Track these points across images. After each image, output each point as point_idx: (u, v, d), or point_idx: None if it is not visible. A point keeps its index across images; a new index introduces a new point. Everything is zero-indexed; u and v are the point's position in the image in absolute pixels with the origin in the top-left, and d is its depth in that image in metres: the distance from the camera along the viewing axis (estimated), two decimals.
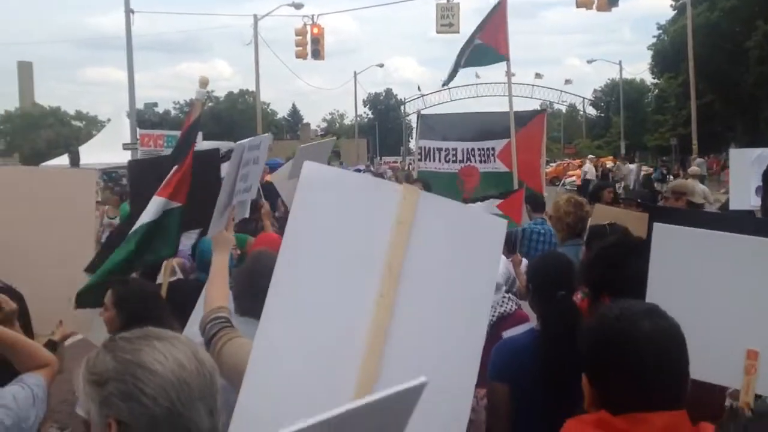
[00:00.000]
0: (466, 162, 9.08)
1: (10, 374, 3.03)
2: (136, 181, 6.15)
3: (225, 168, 4.48)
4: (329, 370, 2.46)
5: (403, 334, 2.51)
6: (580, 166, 38.57)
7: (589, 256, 3.58)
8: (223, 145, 8.44)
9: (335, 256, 2.58)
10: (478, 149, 8.99)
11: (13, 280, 4.36)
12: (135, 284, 4.12)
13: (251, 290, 3.45)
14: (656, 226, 2.96)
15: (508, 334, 3.63)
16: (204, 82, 4.96)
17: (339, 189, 2.66)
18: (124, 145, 27.73)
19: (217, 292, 3.18)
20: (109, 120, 48.88)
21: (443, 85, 9.49)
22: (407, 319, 2.53)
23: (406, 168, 35.82)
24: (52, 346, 4.30)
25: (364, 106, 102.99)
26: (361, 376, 2.45)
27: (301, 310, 2.53)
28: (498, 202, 6.45)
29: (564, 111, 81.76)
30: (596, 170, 32.65)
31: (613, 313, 2.14)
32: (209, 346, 2.87)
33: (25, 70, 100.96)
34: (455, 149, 9.17)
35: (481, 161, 8.99)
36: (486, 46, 8.54)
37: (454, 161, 9.16)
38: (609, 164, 36.06)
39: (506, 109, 8.62)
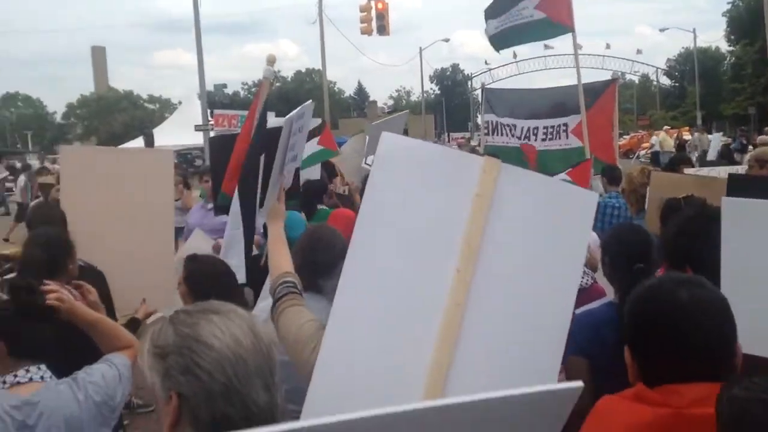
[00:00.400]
0: (525, 140, 8.93)
1: (95, 355, 3.12)
2: (216, 156, 6.35)
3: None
4: (403, 346, 2.43)
5: (481, 310, 2.46)
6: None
7: (669, 230, 3.47)
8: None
9: (412, 229, 2.54)
10: (545, 127, 8.79)
11: (95, 260, 4.48)
12: (205, 260, 4.19)
13: (309, 265, 3.49)
14: (725, 200, 2.85)
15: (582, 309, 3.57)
16: (271, 60, 4.99)
17: (418, 160, 2.61)
18: (196, 126, 28.20)
19: (281, 260, 3.23)
20: (180, 102, 49.84)
21: (497, 51, 9.21)
22: (485, 295, 2.47)
23: (472, 143, 35.50)
24: (134, 324, 4.43)
25: (431, 82, 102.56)
26: (435, 352, 2.42)
27: (376, 283, 2.51)
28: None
29: (636, 82, 79.72)
30: (673, 142, 31.59)
31: (653, 284, 2.09)
32: (274, 309, 2.91)
33: (98, 55, 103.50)
34: (514, 125, 9.02)
35: (546, 139, 8.80)
36: (546, 19, 8.30)
37: (518, 137, 9.02)
38: (686, 135, 34.92)
39: (575, 81, 8.43)
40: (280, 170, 3.89)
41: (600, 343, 3.29)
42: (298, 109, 4.24)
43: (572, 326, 3.38)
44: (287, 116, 4.02)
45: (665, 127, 36.28)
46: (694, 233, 3.18)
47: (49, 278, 3.80)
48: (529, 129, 8.87)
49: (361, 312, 2.49)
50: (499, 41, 8.80)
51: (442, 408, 1.22)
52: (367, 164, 10.44)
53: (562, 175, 6.25)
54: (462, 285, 2.46)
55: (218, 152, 6.17)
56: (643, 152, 37.53)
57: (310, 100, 4.54)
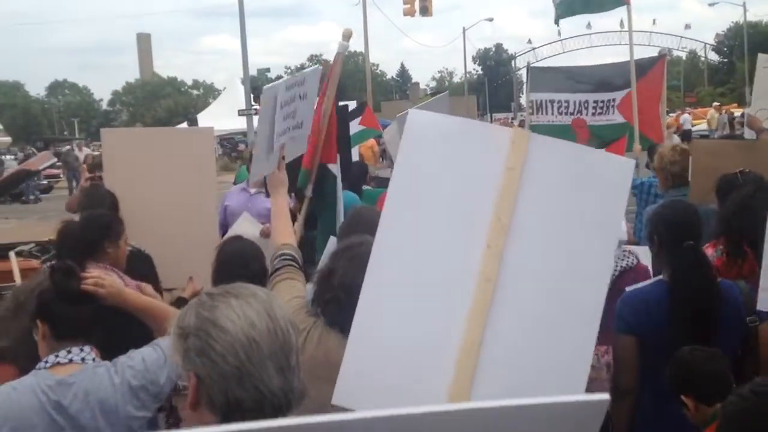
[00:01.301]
0: (577, 114, 8.78)
1: (142, 337, 3.15)
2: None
3: None
4: (435, 323, 2.42)
5: (513, 285, 2.42)
6: (702, 116, 36.78)
7: (729, 209, 3.39)
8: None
9: (442, 205, 2.51)
10: (594, 101, 8.66)
11: (142, 240, 4.53)
12: (236, 243, 4.20)
13: None
14: None
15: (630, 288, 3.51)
16: (347, 35, 4.94)
17: (446, 135, 2.58)
18: (239, 111, 28.43)
19: (282, 230, 3.25)
20: (225, 88, 50.21)
21: (555, 22, 9.08)
22: (517, 270, 2.43)
23: (515, 123, 35.22)
24: (182, 302, 4.47)
25: (474, 63, 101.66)
26: (467, 329, 2.40)
27: (406, 259, 2.49)
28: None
29: (684, 58, 78.11)
30: (724, 119, 30.84)
31: None
32: (268, 282, 2.94)
33: (143, 42, 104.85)
34: (567, 101, 8.87)
35: (595, 113, 8.67)
36: None
37: (566, 113, 8.86)
38: (736, 112, 34.10)
39: (621, 58, 8.30)
40: (270, 142, 3.82)
41: (650, 322, 3.24)
42: (294, 76, 4.18)
43: (621, 304, 3.35)
44: (271, 85, 3.93)
45: (714, 104, 35.42)
46: (754, 211, 3.11)
47: (86, 260, 3.87)
48: (579, 103, 8.70)
49: (391, 289, 2.47)
50: (560, 10, 8.70)
51: (457, 413, 1.20)
52: None
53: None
54: (493, 260, 2.43)
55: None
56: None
57: (317, 66, 4.48)
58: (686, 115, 32.47)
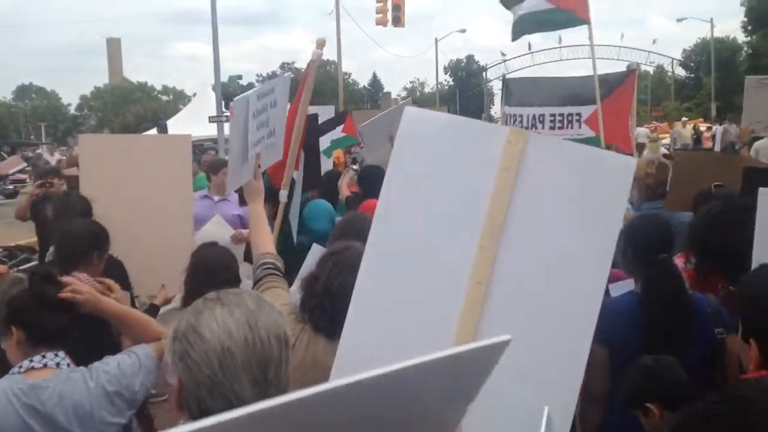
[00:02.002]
0: (531, 128, 8.73)
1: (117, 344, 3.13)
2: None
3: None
4: (426, 326, 2.40)
5: (505, 289, 2.39)
6: (667, 130, 37.22)
7: (699, 220, 3.45)
8: (319, 110, 8.55)
9: (436, 204, 2.49)
10: (551, 114, 8.66)
11: (116, 246, 4.50)
12: (211, 250, 4.20)
13: None
14: (761, 191, 2.83)
15: (614, 291, 3.56)
16: (321, 44, 4.97)
17: (441, 133, 2.55)
18: (210, 117, 28.22)
19: (261, 239, 3.25)
20: (195, 94, 49.93)
21: (513, 39, 9.09)
22: (509, 274, 2.39)
23: None
24: (153, 310, 4.46)
25: (445, 73, 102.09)
26: (458, 333, 2.38)
27: (398, 260, 2.47)
28: None
29: (651, 72, 79.16)
30: (692, 133, 31.18)
31: None
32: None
33: (113, 47, 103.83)
34: (520, 115, 8.87)
35: (554, 127, 8.68)
36: (558, 10, 8.23)
37: (525, 127, 8.80)
38: (701, 126, 34.55)
39: (590, 72, 8.37)
40: (244, 151, 3.83)
41: (621, 333, 3.29)
42: (263, 85, 4.20)
43: None
44: (241, 96, 3.95)
45: (683, 119, 35.87)
46: (721, 226, 3.17)
47: (73, 269, 3.84)
48: (534, 117, 8.71)
49: (382, 290, 2.46)
50: (517, 29, 8.74)
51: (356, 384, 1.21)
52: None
53: None
54: (485, 262, 2.40)
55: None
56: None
57: (288, 74, 4.50)
58: (643, 129, 32.86)
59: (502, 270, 2.40)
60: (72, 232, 4.11)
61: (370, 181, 6.81)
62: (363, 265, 2.47)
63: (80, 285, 3.12)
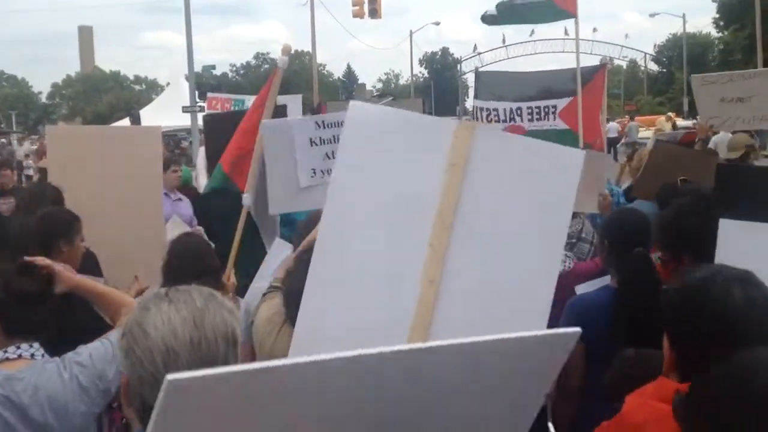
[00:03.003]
0: (510, 122, 8.78)
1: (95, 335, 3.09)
2: (211, 134, 6.40)
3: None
4: (378, 326, 2.36)
5: (457, 287, 2.37)
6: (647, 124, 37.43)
7: (668, 215, 3.49)
8: (287, 100, 8.56)
9: (384, 201, 2.44)
10: (528, 107, 8.69)
11: (87, 238, 4.46)
12: (187, 240, 4.16)
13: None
14: (722, 222, 2.79)
15: (581, 290, 3.59)
16: (286, 50, 5.02)
17: (388, 127, 2.51)
18: (183, 107, 27.99)
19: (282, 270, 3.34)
20: (168, 84, 49.48)
21: (490, 23, 9.07)
22: (460, 271, 2.37)
23: None
24: None
25: (420, 66, 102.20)
26: (411, 333, 2.35)
27: (348, 259, 2.43)
28: None
29: (624, 67, 79.76)
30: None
31: (703, 276, 2.03)
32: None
33: (85, 35, 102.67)
34: (496, 109, 8.89)
35: (532, 119, 8.70)
36: (546, 2, 8.27)
37: (503, 120, 8.86)
38: (679, 122, 34.66)
39: (564, 66, 8.42)
40: (310, 173, 3.89)
41: (595, 327, 3.30)
42: (328, 115, 4.22)
43: (568, 310, 3.42)
44: (281, 120, 3.97)
45: (668, 114, 36.04)
46: (697, 223, 3.20)
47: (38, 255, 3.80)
48: (512, 110, 8.73)
49: (333, 290, 2.42)
50: (503, 16, 8.73)
51: (420, 351, 1.21)
52: None
53: None
54: (436, 261, 2.37)
55: (215, 132, 6.22)
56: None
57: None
58: (614, 124, 33.14)
59: (452, 268, 2.38)
60: (39, 220, 4.06)
61: None
62: (313, 261, 2.43)
63: (52, 265, 3.11)
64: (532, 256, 2.39)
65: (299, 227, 3.86)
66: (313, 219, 3.92)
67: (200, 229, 6.19)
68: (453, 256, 2.38)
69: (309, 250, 2.92)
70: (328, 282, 2.43)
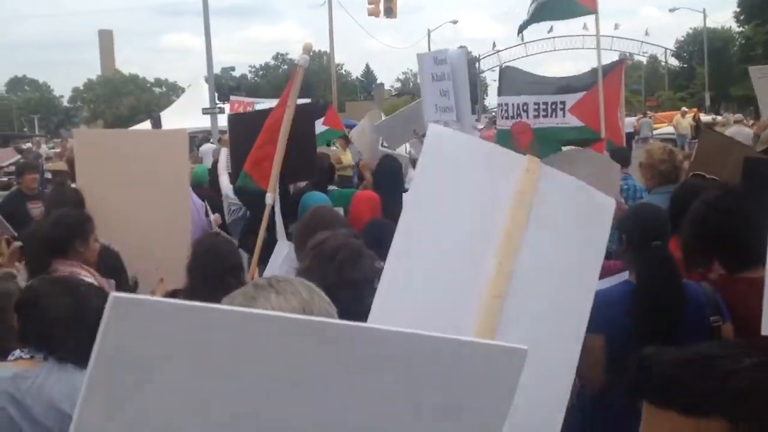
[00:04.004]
0: (516, 118, 8.68)
1: None
2: (235, 134, 6.47)
3: None
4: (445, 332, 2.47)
5: (519, 302, 2.52)
6: (664, 120, 37.08)
7: (705, 206, 3.49)
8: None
9: (456, 223, 2.59)
10: (535, 103, 8.48)
11: (112, 239, 4.52)
12: (212, 239, 4.21)
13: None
14: None
15: (601, 285, 3.59)
16: (307, 49, 5.08)
17: (465, 154, 2.67)
18: (203, 109, 28.18)
19: None
20: (189, 86, 49.76)
21: (518, 33, 9.09)
22: (523, 288, 2.53)
23: (479, 127, 35.29)
24: None
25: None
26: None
27: (418, 273, 2.53)
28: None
29: (645, 62, 79.24)
30: (691, 124, 30.88)
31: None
32: None
33: (105, 39, 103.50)
34: (506, 104, 8.77)
35: (538, 116, 8.55)
36: None
37: (511, 116, 8.75)
38: (705, 117, 34.20)
39: (582, 62, 8.40)
40: (434, 109, 4.04)
41: (615, 321, 3.31)
42: (437, 51, 4.37)
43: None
44: (423, 53, 4.12)
45: (682, 109, 35.64)
46: (727, 215, 3.22)
47: (55, 260, 3.87)
48: (518, 106, 8.57)
49: (402, 303, 2.51)
50: (534, 17, 8.69)
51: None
52: (384, 146, 10.47)
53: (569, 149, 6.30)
54: (502, 276, 2.51)
55: (240, 132, 6.30)
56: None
57: (464, 47, 4.74)
58: (630, 119, 32.90)
59: (516, 284, 2.53)
60: (52, 222, 4.12)
61: (383, 172, 6.85)
62: (386, 271, 2.53)
63: None
64: (575, 283, 2.65)
65: (298, 227, 3.90)
66: (311, 219, 3.95)
67: (217, 216, 6.28)
68: (517, 273, 2.53)
69: (314, 247, 2.95)
70: (397, 290, 2.52)
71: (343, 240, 3.17)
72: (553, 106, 8.39)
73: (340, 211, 5.48)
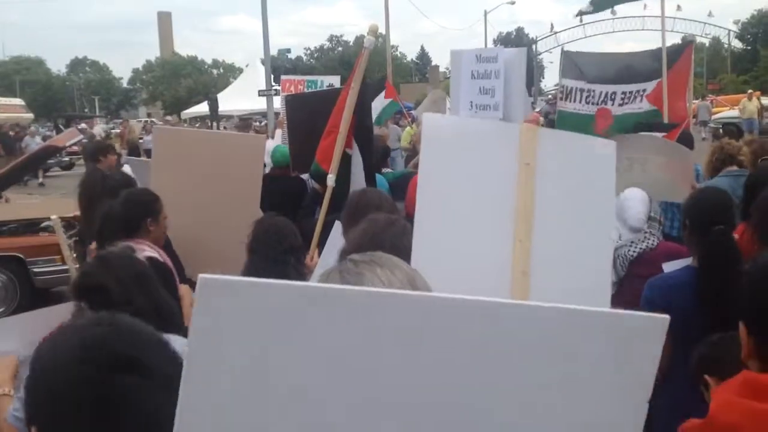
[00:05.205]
0: (602, 104, 8.69)
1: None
2: (292, 113, 6.51)
3: None
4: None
5: (545, 276, 2.53)
6: (726, 104, 36.16)
7: (765, 196, 3.41)
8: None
9: (468, 205, 2.61)
10: (623, 92, 8.54)
11: (180, 239, 4.56)
12: (272, 219, 4.24)
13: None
14: None
15: (667, 268, 3.54)
16: (374, 30, 5.08)
17: (461, 136, 2.69)
18: (259, 91, 28.40)
19: None
20: (247, 65, 50.18)
21: (577, 15, 9.11)
22: (545, 261, 2.54)
23: (536, 109, 34.93)
24: None
25: (494, 47, 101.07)
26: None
27: (442, 260, 2.52)
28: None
29: (707, 45, 77.22)
30: (758, 107, 30.07)
31: None
32: None
33: (164, 21, 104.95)
34: (593, 90, 8.75)
35: (623, 104, 8.56)
36: None
37: (592, 103, 8.74)
38: (764, 100, 33.24)
39: (643, 44, 8.27)
40: (466, 106, 4.10)
41: (677, 307, 3.25)
42: (485, 49, 4.42)
43: (648, 289, 3.38)
44: (458, 49, 4.13)
45: (749, 91, 34.55)
46: None
47: (127, 237, 3.93)
48: (606, 94, 8.59)
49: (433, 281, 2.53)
50: (594, 6, 8.67)
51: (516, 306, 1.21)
52: None
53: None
54: (524, 254, 2.53)
55: (297, 112, 6.33)
56: (714, 117, 35.78)
57: (523, 49, 4.75)
58: (704, 103, 32.11)
59: (538, 258, 2.56)
60: (123, 201, 4.18)
61: None
62: (413, 259, 2.53)
63: None
64: (592, 234, 2.68)
65: (346, 208, 3.90)
66: (359, 200, 3.93)
67: None
68: (537, 247, 2.55)
69: (369, 224, 2.95)
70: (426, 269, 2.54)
71: (394, 218, 3.16)
72: (635, 94, 8.47)
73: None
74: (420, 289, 1.67)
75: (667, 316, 1.23)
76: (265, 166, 7.07)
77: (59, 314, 3.30)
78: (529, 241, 2.54)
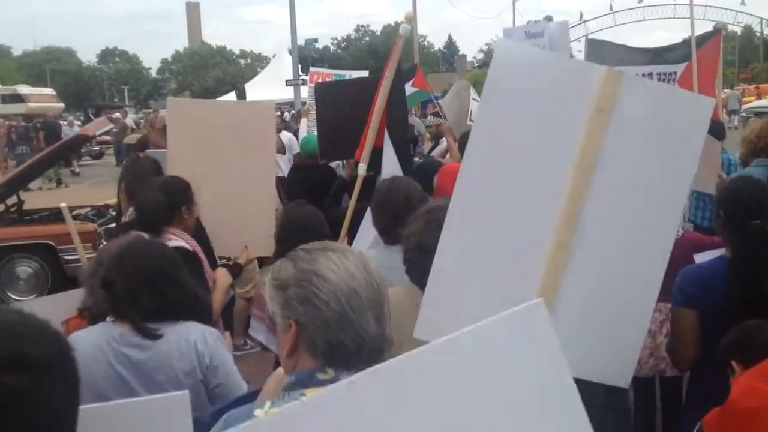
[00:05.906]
0: None
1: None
2: (321, 102, 6.52)
3: None
4: (508, 283, 2.41)
5: (593, 227, 2.42)
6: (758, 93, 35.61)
7: None
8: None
9: (526, 144, 2.48)
10: (658, 73, 8.40)
11: (200, 209, 4.60)
12: (300, 209, 4.26)
13: (394, 220, 3.52)
14: None
15: (699, 258, 3.48)
16: (409, 18, 5.08)
17: (534, 69, 2.52)
18: (287, 81, 28.43)
19: None
20: (275, 55, 50.25)
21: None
22: (598, 212, 2.42)
23: None
24: (237, 269, 4.60)
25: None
26: (546, 272, 2.42)
27: (488, 199, 2.49)
28: None
29: (739, 33, 75.95)
30: None
31: None
32: None
33: (192, 11, 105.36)
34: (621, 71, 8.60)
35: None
36: None
37: None
38: None
39: (672, 32, 8.14)
40: None
41: (709, 298, 3.21)
42: (533, 24, 4.54)
43: (680, 279, 3.33)
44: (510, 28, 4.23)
45: None
46: None
47: (166, 224, 3.98)
48: (643, 75, 8.44)
49: (467, 243, 2.49)
50: None
51: None
52: (472, 121, 10.42)
53: None
54: (571, 215, 2.41)
55: (325, 102, 6.34)
56: (746, 106, 35.31)
57: (566, 21, 4.77)
58: (733, 92, 31.63)
59: (590, 208, 2.42)
60: (163, 188, 4.21)
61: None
62: (452, 205, 2.50)
63: None
64: (661, 195, 2.48)
65: (375, 197, 3.89)
66: (389, 189, 3.91)
67: None
68: (589, 210, 2.42)
69: (426, 212, 2.94)
70: (463, 235, 2.49)
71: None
72: (666, 77, 8.33)
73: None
74: (372, 271, 1.78)
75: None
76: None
77: (72, 300, 3.37)
78: (583, 199, 2.39)
